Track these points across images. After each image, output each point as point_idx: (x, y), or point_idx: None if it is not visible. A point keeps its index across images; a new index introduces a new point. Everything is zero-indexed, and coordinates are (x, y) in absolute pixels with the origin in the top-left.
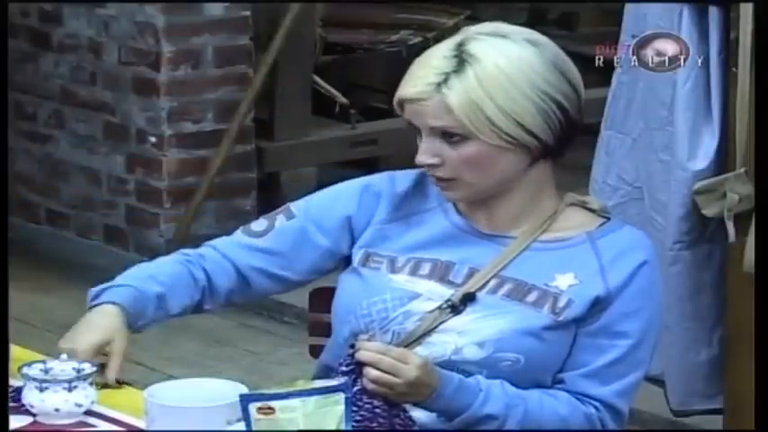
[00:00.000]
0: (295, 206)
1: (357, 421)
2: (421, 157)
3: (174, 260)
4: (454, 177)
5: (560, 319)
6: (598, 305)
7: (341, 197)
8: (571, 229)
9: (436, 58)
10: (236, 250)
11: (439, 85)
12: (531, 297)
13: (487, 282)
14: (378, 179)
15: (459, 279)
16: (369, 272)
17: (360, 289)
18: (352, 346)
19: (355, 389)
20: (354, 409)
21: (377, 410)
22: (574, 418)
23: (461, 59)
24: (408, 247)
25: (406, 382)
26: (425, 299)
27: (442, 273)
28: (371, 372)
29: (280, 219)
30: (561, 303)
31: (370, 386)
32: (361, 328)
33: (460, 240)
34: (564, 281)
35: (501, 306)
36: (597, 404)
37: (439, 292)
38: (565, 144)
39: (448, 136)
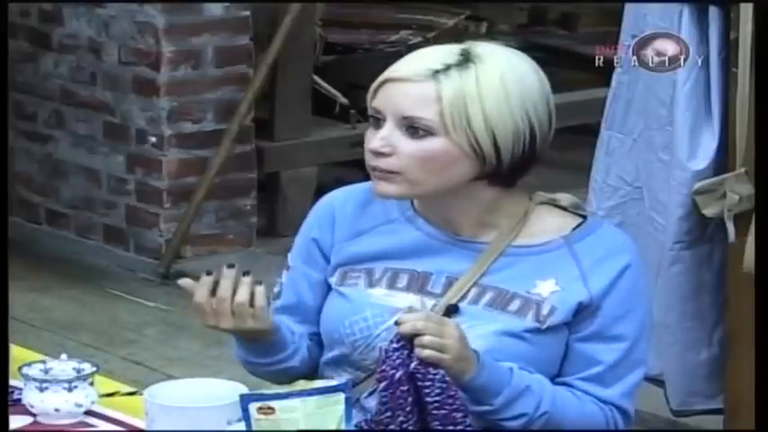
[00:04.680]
0: (289, 256)
1: (438, 394)
2: (374, 143)
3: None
4: (399, 171)
5: (545, 327)
6: (584, 311)
7: (304, 228)
8: (546, 232)
9: (440, 51)
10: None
11: (437, 72)
12: (514, 306)
13: (468, 291)
14: (326, 200)
15: (438, 289)
16: (348, 289)
17: (340, 308)
18: (397, 323)
19: (413, 364)
20: (428, 383)
21: (444, 384)
22: (596, 417)
23: (467, 57)
24: (383, 255)
25: (456, 338)
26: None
27: (420, 284)
28: (424, 337)
29: (284, 275)
30: (545, 311)
31: (425, 353)
32: (348, 349)
33: (434, 249)
34: (545, 287)
35: (485, 316)
36: (609, 406)
37: (419, 305)
38: (515, 173)
39: (413, 130)
